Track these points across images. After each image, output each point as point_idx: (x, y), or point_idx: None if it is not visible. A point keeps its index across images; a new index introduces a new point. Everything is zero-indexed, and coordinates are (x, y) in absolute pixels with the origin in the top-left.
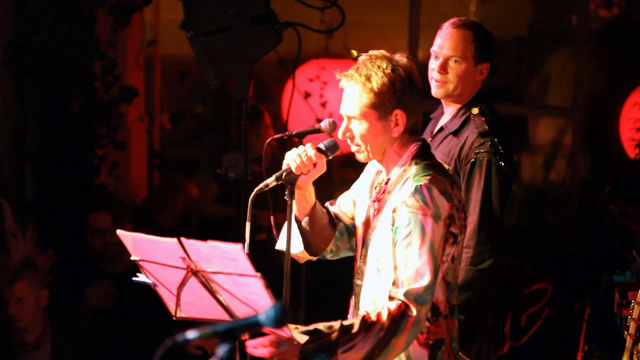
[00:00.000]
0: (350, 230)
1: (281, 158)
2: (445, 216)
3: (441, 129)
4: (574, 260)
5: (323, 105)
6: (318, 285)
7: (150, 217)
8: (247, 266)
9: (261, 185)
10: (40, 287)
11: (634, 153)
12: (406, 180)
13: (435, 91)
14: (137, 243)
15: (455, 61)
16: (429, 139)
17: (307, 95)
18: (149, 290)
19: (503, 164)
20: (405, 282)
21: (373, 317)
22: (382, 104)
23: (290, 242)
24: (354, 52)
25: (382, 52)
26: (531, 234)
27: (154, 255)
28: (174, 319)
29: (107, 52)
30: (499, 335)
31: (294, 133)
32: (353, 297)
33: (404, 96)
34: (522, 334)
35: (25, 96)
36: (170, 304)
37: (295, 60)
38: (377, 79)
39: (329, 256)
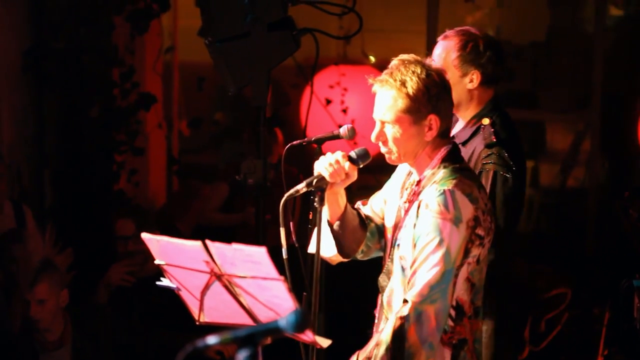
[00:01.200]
0: (381, 230)
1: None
2: (468, 219)
3: (452, 137)
4: (593, 265)
5: (344, 111)
6: (338, 289)
7: (169, 223)
8: (270, 269)
9: (292, 191)
10: (60, 287)
11: None
12: (433, 183)
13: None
14: (161, 247)
15: None
16: None
17: (328, 102)
18: (170, 294)
19: (509, 176)
20: (417, 283)
21: (382, 338)
22: (417, 109)
23: (320, 246)
24: (372, 58)
25: (414, 56)
26: (550, 239)
27: (178, 259)
28: (197, 323)
29: (125, 59)
30: (518, 340)
31: (312, 139)
32: (380, 296)
33: (438, 101)
34: (542, 339)
35: (43, 103)
36: (194, 309)
37: (313, 66)
38: (413, 84)
39: (359, 257)
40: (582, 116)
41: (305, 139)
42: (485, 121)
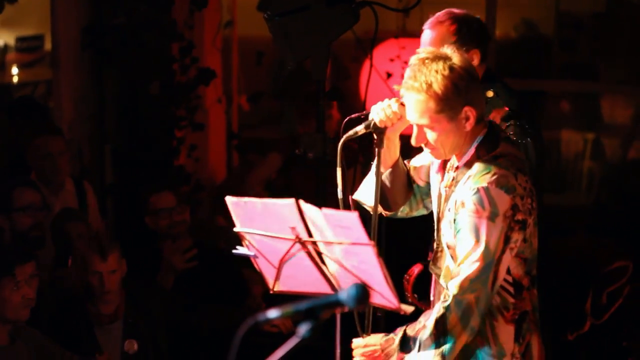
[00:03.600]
0: (423, 191)
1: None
2: (504, 210)
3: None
4: None
5: None
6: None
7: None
8: (361, 234)
9: (350, 132)
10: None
11: None
12: (469, 178)
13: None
14: (248, 209)
15: None
16: None
17: (389, 75)
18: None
19: (530, 139)
20: (459, 275)
21: (427, 324)
22: (450, 107)
23: (379, 191)
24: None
25: (432, 50)
26: (611, 211)
27: (263, 224)
28: (270, 292)
29: (184, 34)
30: (576, 315)
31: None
32: (432, 284)
33: (469, 91)
34: (604, 312)
35: (103, 80)
36: (269, 277)
37: (373, 39)
38: (439, 84)
39: (400, 214)
40: None
41: (364, 112)
42: (490, 94)
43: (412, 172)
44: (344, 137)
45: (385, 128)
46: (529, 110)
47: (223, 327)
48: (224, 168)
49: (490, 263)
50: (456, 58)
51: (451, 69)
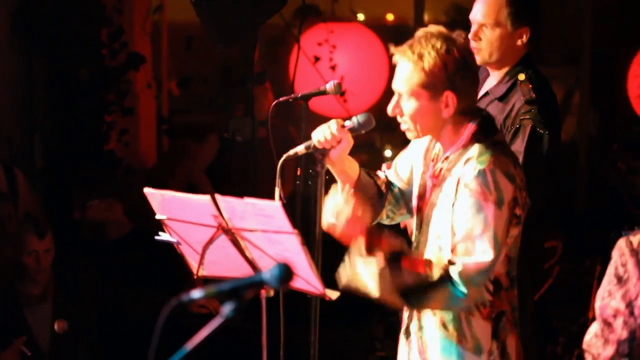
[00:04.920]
0: (407, 196)
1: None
2: (509, 200)
3: (486, 93)
4: (584, 218)
5: (333, 68)
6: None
7: (160, 182)
8: (284, 223)
9: (290, 152)
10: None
11: None
12: (469, 159)
13: (475, 58)
14: (166, 201)
15: (488, 28)
16: None
17: (317, 59)
18: (150, 254)
19: (547, 132)
20: (462, 259)
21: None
22: (433, 85)
23: (322, 211)
24: (360, 15)
25: (440, 28)
26: None
27: (183, 214)
28: (194, 277)
29: (113, 19)
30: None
31: (299, 95)
32: None
33: (456, 77)
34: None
35: (32, 65)
36: (193, 263)
37: (300, 23)
38: (430, 59)
39: (385, 222)
40: (572, 71)
41: (292, 95)
42: (522, 77)
43: (392, 175)
44: (284, 156)
45: (326, 149)
46: (553, 99)
47: (152, 309)
48: (154, 152)
49: (497, 257)
50: (459, 43)
51: (447, 50)
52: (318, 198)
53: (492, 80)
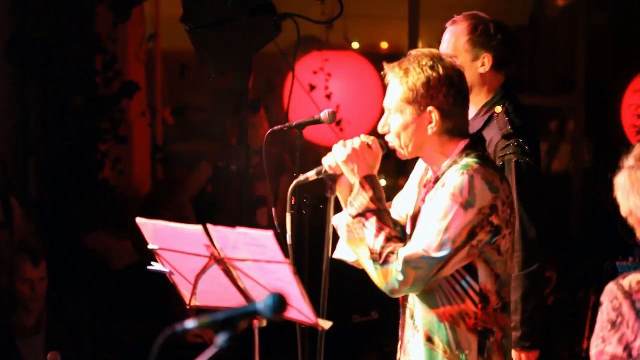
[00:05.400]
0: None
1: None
2: (483, 205)
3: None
4: (578, 248)
5: (328, 97)
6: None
7: (155, 211)
8: (276, 253)
9: (301, 178)
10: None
11: (635, 139)
12: (455, 164)
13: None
14: (158, 231)
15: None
16: None
17: (312, 87)
18: (147, 284)
19: (531, 163)
20: (412, 247)
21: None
22: (415, 100)
23: (330, 240)
24: (356, 44)
25: (432, 50)
26: None
27: (175, 244)
28: (187, 307)
29: (108, 47)
30: None
31: (294, 124)
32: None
33: (439, 95)
34: None
35: (27, 92)
36: (186, 293)
37: (295, 51)
38: (415, 74)
39: None
40: (566, 100)
41: (287, 124)
42: (498, 109)
43: (394, 214)
44: (295, 182)
45: (337, 175)
46: (533, 129)
47: (146, 340)
48: (149, 181)
49: (445, 249)
50: (447, 63)
51: (433, 67)
52: (327, 225)
53: (471, 113)
